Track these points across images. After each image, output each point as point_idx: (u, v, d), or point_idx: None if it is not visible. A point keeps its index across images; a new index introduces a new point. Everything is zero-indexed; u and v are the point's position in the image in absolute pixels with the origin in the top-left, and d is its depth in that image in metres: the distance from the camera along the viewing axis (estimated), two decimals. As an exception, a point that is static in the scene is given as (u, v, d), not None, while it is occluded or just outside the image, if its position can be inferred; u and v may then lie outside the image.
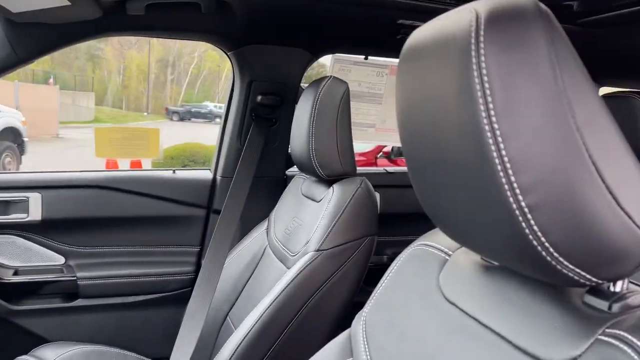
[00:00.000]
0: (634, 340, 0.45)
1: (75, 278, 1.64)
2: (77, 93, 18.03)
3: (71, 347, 1.39)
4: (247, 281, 1.54)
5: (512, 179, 0.44)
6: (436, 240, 0.77)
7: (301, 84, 1.83)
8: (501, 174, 0.45)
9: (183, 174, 1.83)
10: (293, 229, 1.43)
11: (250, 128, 1.77)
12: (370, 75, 1.94)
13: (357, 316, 0.83)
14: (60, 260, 1.66)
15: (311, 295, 1.23)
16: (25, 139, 7.33)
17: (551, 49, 0.44)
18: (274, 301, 1.21)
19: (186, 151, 6.72)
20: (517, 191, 0.44)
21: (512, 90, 0.44)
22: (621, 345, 0.45)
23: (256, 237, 1.61)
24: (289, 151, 1.81)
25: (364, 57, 1.90)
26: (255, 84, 1.74)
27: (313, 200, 1.42)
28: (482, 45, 0.45)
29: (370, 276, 1.29)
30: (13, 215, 1.59)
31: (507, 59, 0.44)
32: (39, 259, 1.64)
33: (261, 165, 1.74)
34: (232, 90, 1.81)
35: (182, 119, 22.19)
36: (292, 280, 1.22)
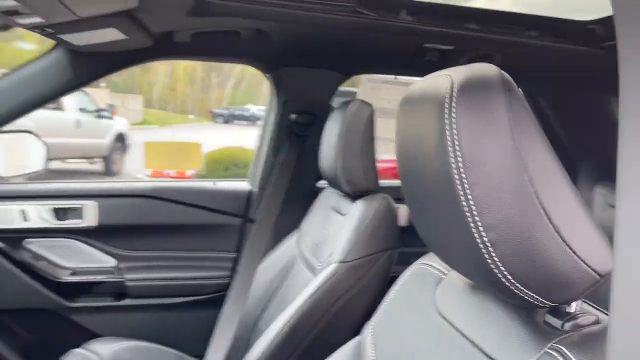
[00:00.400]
0: (569, 353, 0.54)
1: (124, 279, 1.81)
2: (127, 96, 18.71)
3: (119, 342, 1.52)
4: (278, 288, 1.66)
5: (477, 218, 0.54)
6: (435, 260, 0.87)
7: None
8: (468, 214, 0.55)
9: (222, 185, 1.97)
10: (321, 240, 1.54)
11: (284, 144, 1.89)
12: (399, 94, 2.02)
13: (366, 324, 0.93)
14: (112, 262, 1.82)
15: (334, 303, 1.34)
16: (129, 143, 8.72)
17: (510, 113, 0.54)
18: (300, 307, 1.32)
19: (229, 155, 6.95)
20: (481, 229, 0.54)
21: (477, 146, 0.54)
22: (558, 357, 0.54)
23: (288, 247, 1.72)
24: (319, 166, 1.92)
25: (393, 76, 1.99)
26: (290, 103, 1.87)
27: (339, 213, 1.53)
28: (454, 108, 0.55)
29: None
30: (71, 221, 1.76)
31: (474, 120, 0.54)
32: (93, 261, 1.81)
33: (294, 179, 1.86)
34: (269, 108, 1.94)
35: (226, 122, 22.69)
36: (317, 289, 1.33)
